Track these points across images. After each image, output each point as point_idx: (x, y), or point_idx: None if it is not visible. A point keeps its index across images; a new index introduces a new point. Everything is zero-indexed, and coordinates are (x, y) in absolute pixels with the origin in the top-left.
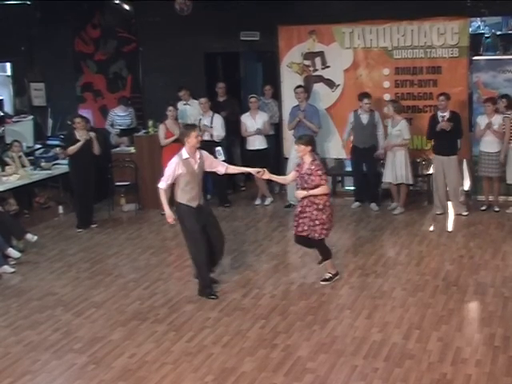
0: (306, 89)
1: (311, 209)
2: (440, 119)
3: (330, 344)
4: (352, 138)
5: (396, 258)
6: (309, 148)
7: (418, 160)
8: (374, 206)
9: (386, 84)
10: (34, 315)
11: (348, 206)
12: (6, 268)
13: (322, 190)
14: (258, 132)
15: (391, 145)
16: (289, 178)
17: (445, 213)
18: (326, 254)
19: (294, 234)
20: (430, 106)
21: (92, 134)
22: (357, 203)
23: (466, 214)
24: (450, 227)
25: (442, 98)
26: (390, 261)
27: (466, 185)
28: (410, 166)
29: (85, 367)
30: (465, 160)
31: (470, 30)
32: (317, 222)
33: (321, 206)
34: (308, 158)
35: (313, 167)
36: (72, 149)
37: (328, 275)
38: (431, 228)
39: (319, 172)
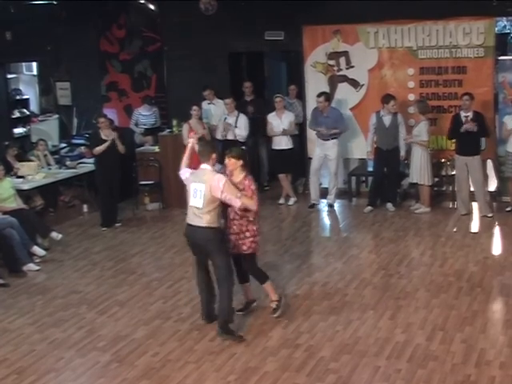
0: (326, 96)
1: (241, 221)
2: (463, 119)
3: (353, 344)
4: (375, 139)
5: (420, 259)
6: (240, 162)
7: (443, 160)
8: (390, 206)
9: (411, 84)
10: (58, 313)
11: None
12: (31, 266)
13: (253, 203)
14: (284, 133)
15: (410, 140)
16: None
17: (469, 214)
18: (260, 276)
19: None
20: (454, 107)
21: (114, 135)
22: (369, 207)
23: (490, 215)
24: (474, 228)
25: (466, 97)
26: (413, 261)
27: (492, 186)
28: (429, 167)
29: (108, 365)
30: (490, 161)
31: (496, 29)
32: (247, 234)
33: (251, 218)
34: (239, 174)
35: (246, 182)
36: (98, 149)
37: (274, 304)
38: (454, 229)
39: (253, 187)
